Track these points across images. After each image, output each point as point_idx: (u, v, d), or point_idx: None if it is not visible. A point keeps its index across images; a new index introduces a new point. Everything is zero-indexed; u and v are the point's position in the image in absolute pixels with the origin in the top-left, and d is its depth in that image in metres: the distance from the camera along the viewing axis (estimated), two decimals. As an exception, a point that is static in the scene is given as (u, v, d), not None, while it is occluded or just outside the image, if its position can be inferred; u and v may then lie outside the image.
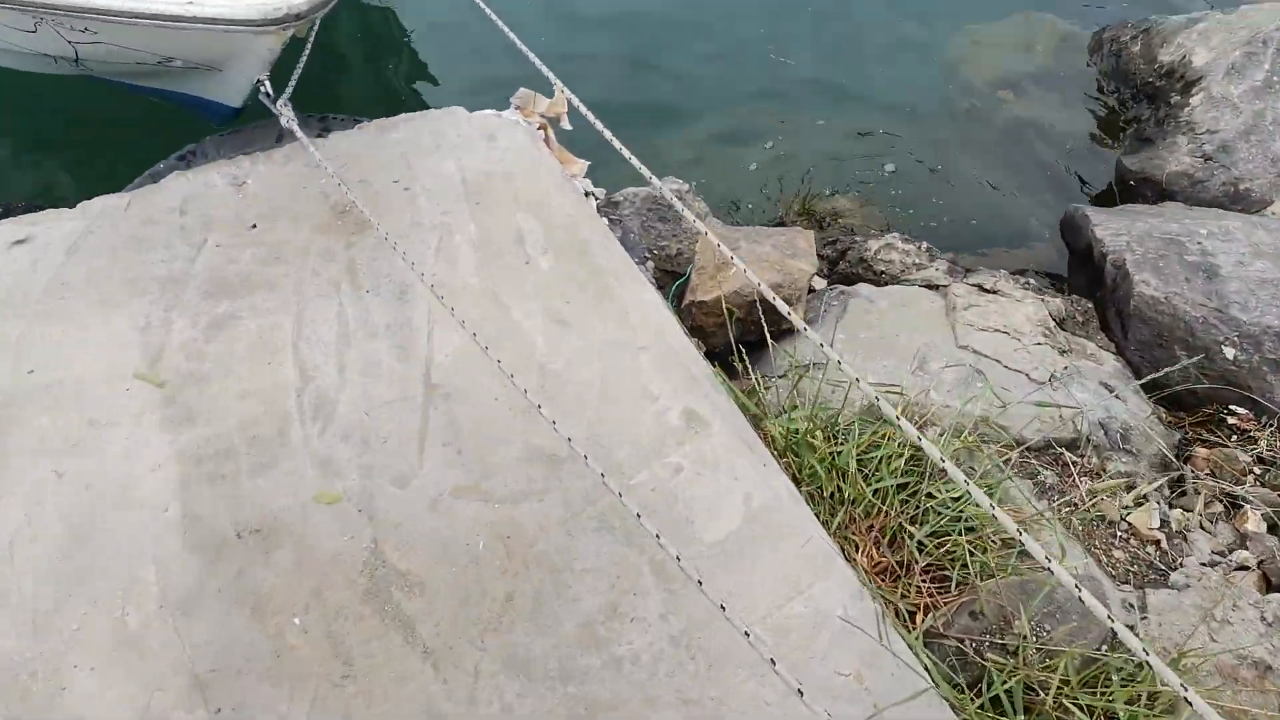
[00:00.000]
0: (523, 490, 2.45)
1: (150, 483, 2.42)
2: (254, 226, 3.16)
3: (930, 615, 2.38)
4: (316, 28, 3.70)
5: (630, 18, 5.55)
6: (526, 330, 2.86)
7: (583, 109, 3.18)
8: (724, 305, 3.34)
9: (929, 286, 3.57)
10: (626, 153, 2.86)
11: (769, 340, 3.16)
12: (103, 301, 2.87)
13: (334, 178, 3.14)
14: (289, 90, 3.48)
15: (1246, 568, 2.74)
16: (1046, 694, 2.19)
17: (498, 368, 2.62)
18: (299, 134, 3.32)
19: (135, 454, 2.48)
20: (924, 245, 3.89)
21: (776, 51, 5.42)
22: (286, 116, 3.41)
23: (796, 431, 2.65)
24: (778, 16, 5.65)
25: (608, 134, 3.04)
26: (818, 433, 2.62)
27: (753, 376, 2.95)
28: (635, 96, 4.96)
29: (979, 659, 2.33)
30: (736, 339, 3.19)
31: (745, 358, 3.02)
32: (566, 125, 3.83)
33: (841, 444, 2.65)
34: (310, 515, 2.39)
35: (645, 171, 2.72)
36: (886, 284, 3.61)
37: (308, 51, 3.65)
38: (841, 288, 3.53)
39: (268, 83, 3.50)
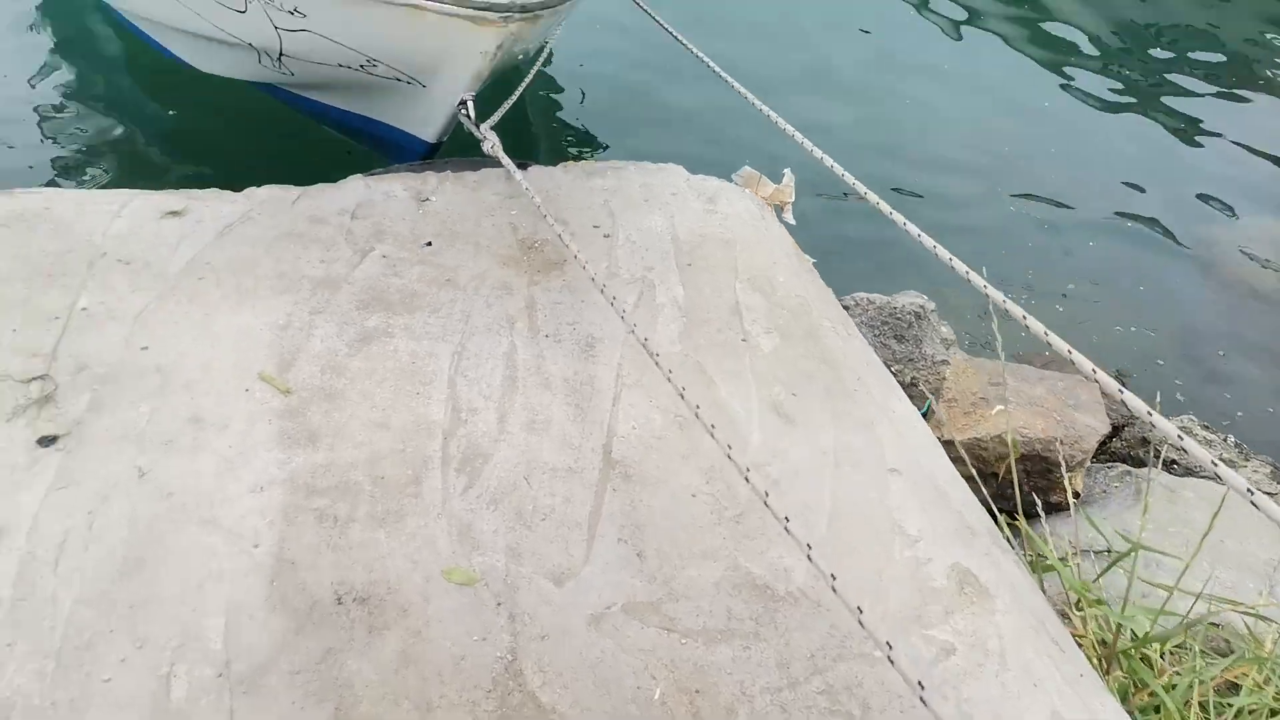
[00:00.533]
0: (722, 628, 1.77)
1: (245, 506, 1.85)
2: (428, 244, 2.69)
3: None
4: (537, 61, 3.33)
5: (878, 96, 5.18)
6: (738, 417, 2.24)
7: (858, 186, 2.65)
8: (980, 452, 2.64)
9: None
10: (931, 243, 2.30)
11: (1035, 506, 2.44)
12: (244, 290, 2.41)
13: (538, 209, 2.66)
14: (496, 118, 3.10)
15: None
16: None
17: (704, 451, 1.99)
18: (503, 158, 2.90)
19: (237, 467, 1.93)
20: (1230, 439, 3.13)
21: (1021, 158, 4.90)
22: (491, 141, 3.00)
23: (1132, 636, 1.89)
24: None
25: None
26: (1154, 644, 1.86)
27: (1043, 546, 2.21)
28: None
29: None
30: (993, 496, 2.47)
31: (1025, 518, 2.29)
32: (790, 219, 3.30)
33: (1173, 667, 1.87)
34: (434, 595, 1.76)
35: (977, 280, 2.05)
36: (1179, 476, 2.85)
37: (523, 86, 3.30)
38: (1125, 467, 2.79)
39: (470, 105, 3.13)
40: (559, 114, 4.83)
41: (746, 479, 1.67)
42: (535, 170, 3.07)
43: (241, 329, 2.29)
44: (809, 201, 3.33)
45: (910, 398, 2.68)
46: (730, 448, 1.74)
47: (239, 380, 2.14)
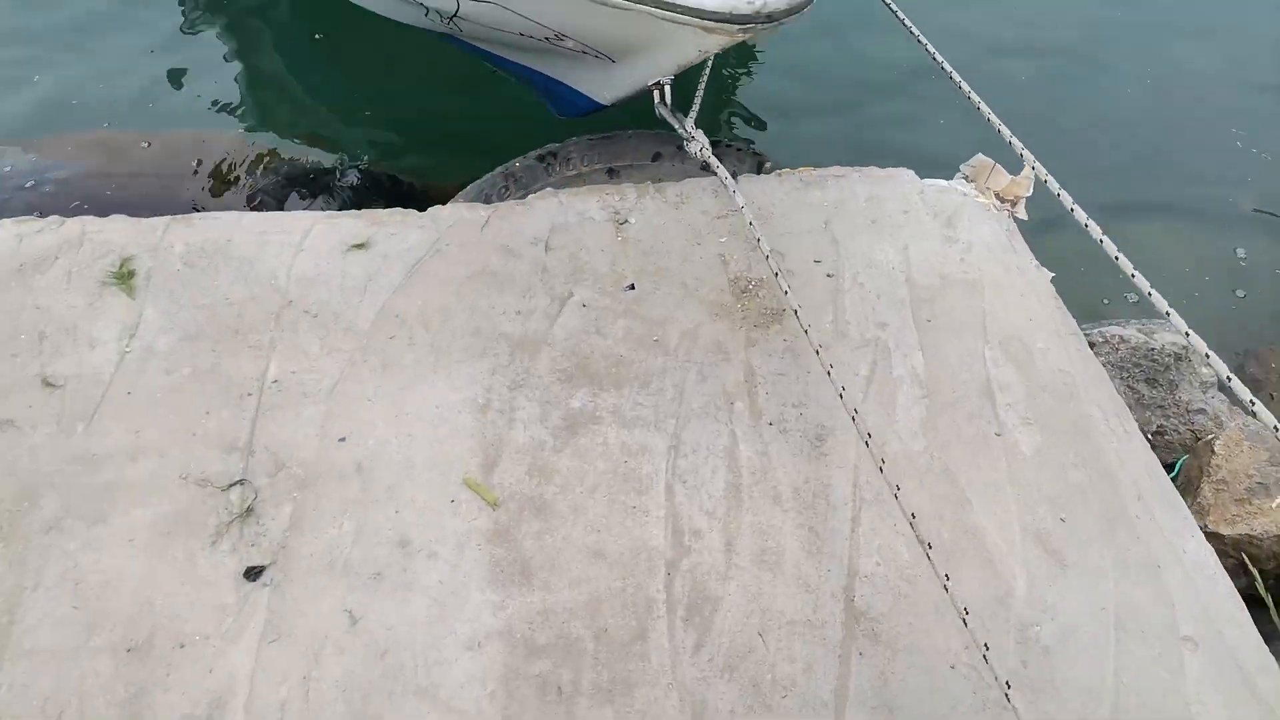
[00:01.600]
0: None
1: (463, 670, 1.71)
2: (631, 287, 2.40)
3: None
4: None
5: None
6: (996, 552, 1.93)
7: (1065, 198, 2.19)
8: (1254, 550, 2.25)
9: None
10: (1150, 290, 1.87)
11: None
12: (439, 351, 2.20)
13: (757, 243, 2.31)
14: (695, 110, 2.69)
15: None
16: None
17: (962, 595, 1.71)
18: (717, 167, 2.53)
19: (450, 613, 1.78)
20: None
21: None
22: (699, 143, 2.62)
23: None
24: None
25: (1115, 253, 2.06)
26: None
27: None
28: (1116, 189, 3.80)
29: None
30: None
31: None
32: (1022, 214, 2.82)
33: None
34: (668, 794, 1.59)
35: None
36: None
37: (709, 67, 2.85)
38: None
39: (668, 91, 2.73)
40: (737, 87, 4.26)
41: (997, 679, 1.39)
42: (747, 182, 2.68)
43: (440, 409, 2.09)
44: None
45: (1154, 447, 2.29)
46: (974, 619, 1.45)
47: (444, 486, 1.96)
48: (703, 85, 2.83)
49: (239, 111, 4.16)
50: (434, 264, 2.41)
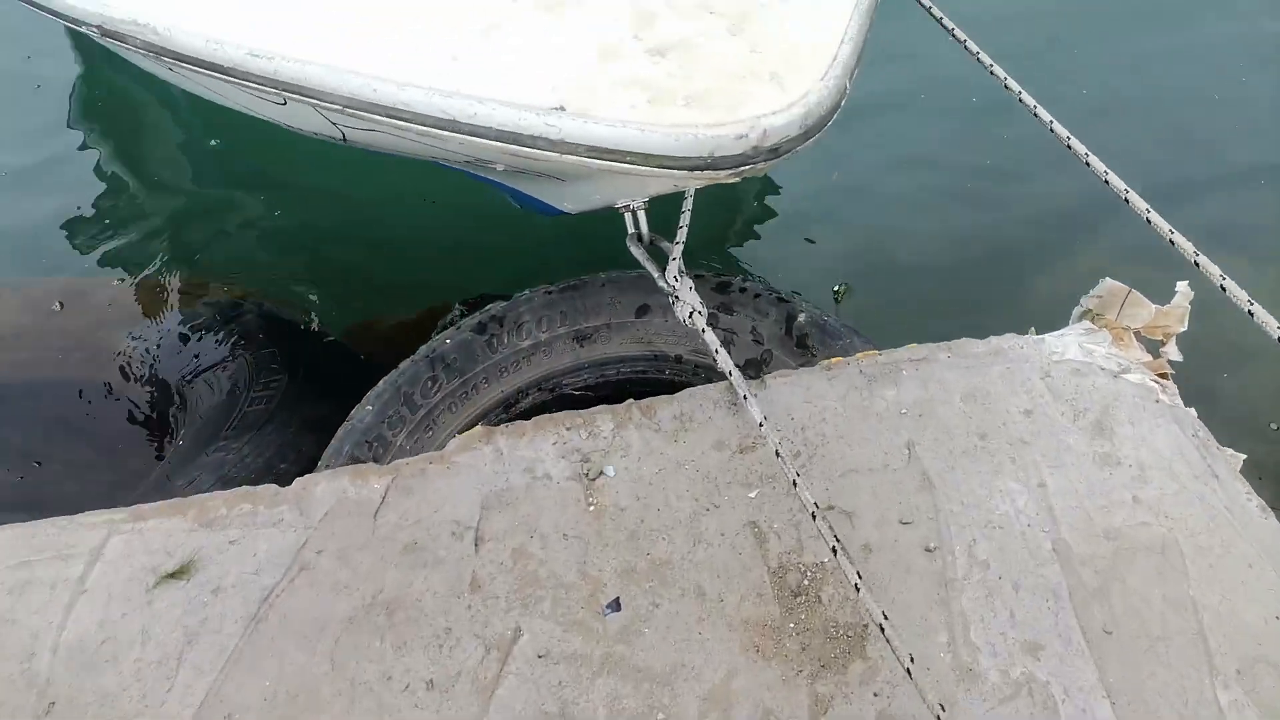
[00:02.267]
0: None
1: None
2: (615, 606, 1.48)
3: None
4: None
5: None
6: None
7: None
8: None
9: None
10: None
11: None
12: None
13: (808, 509, 1.39)
14: (678, 249, 1.80)
15: None
16: None
17: None
18: (723, 361, 1.62)
19: None
20: None
21: None
22: (688, 307, 1.72)
23: None
24: None
25: None
26: None
27: None
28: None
29: None
30: None
31: None
32: (1177, 355, 1.90)
33: None
34: None
35: None
36: None
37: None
38: None
39: (642, 216, 1.84)
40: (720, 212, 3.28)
41: None
42: (779, 381, 1.75)
43: None
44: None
45: None
46: None
47: None
48: (687, 214, 1.93)
49: (115, 246, 3.28)
50: (294, 599, 1.49)
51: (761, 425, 1.56)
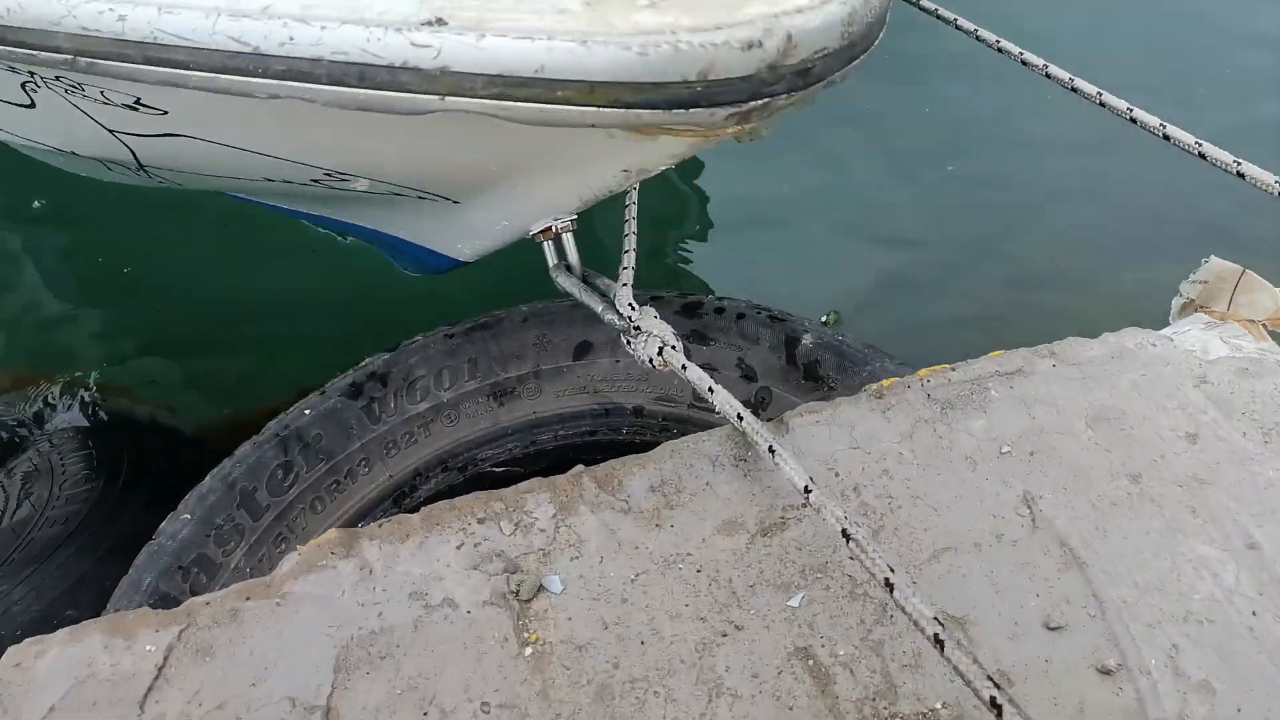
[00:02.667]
0: None
1: None
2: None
3: None
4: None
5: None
6: None
7: None
8: None
9: None
10: None
11: None
12: None
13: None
14: (630, 257, 1.32)
15: None
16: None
17: None
18: (747, 421, 1.01)
19: None
20: None
21: None
22: (658, 340, 1.14)
23: None
24: None
25: None
26: None
27: None
28: None
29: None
30: None
31: None
32: None
33: None
34: None
35: None
36: None
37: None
38: None
39: (569, 241, 1.28)
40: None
41: None
42: (807, 421, 1.13)
43: None
44: None
45: None
46: None
47: None
48: (633, 208, 1.46)
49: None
50: None
51: (809, 493, 0.93)
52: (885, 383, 1.15)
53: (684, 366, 1.14)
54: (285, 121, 1.10)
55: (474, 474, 1.61)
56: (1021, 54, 1.51)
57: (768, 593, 0.98)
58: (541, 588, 1.00)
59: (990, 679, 0.78)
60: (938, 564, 0.99)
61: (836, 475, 1.07)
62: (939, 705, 0.90)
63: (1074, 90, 1.42)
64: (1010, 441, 1.09)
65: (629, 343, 1.23)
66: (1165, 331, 1.23)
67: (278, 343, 2.52)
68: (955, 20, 1.64)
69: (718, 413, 1.10)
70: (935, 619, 0.82)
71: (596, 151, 1.13)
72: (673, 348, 1.18)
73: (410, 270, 1.91)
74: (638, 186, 1.51)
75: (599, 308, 1.27)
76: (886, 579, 0.86)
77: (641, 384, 1.61)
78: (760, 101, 0.88)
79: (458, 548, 1.03)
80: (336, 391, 1.58)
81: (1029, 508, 1.03)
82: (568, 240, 1.31)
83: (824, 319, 2.16)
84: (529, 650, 0.95)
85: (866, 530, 0.96)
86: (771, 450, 1.00)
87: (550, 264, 1.35)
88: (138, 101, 1.14)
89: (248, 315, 2.51)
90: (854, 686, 0.92)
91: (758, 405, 1.52)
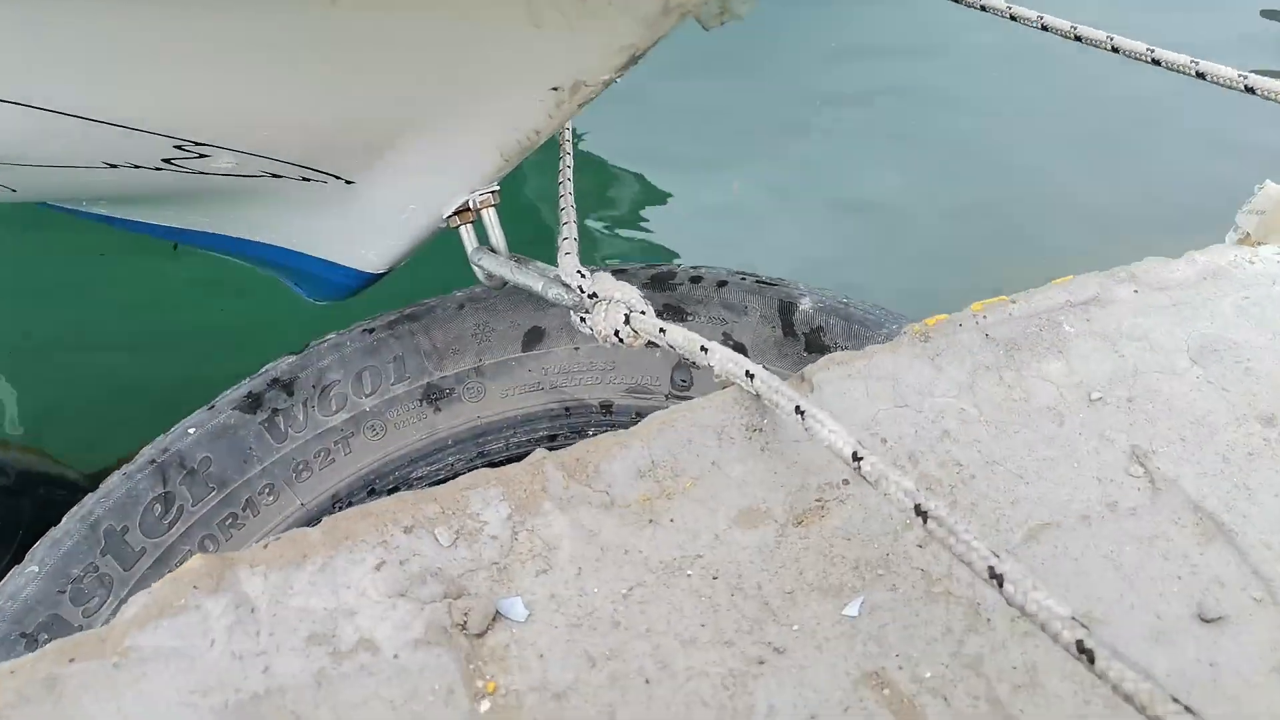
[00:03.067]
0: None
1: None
2: None
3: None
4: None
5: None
6: None
7: None
8: None
9: None
10: None
11: None
12: None
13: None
14: (569, 227, 1.08)
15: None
16: None
17: None
18: (760, 380, 0.75)
19: None
20: None
21: None
22: (622, 308, 0.92)
23: None
24: None
25: None
26: None
27: None
28: None
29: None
30: None
31: None
32: None
33: None
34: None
35: None
36: None
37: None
38: None
39: (491, 215, 1.02)
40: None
41: None
42: (836, 374, 0.86)
43: None
44: None
45: None
46: None
47: None
48: (568, 155, 1.27)
49: None
50: None
51: (859, 462, 0.67)
52: (929, 321, 0.90)
53: (661, 330, 0.91)
54: (123, 58, 0.81)
55: (408, 496, 1.31)
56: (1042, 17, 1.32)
57: (814, 600, 0.71)
58: (498, 615, 0.71)
59: (1175, 699, 0.52)
60: (1037, 545, 0.73)
61: (884, 442, 0.81)
62: (1074, 741, 0.63)
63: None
64: (1100, 386, 0.84)
65: (584, 319, 1.00)
66: (1258, 248, 1.01)
67: (183, 372, 2.19)
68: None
69: (719, 378, 0.84)
70: (1075, 620, 0.56)
71: (516, 57, 0.89)
72: (641, 313, 0.96)
73: (317, 296, 1.62)
74: (569, 138, 1.27)
75: (539, 284, 1.04)
76: (991, 568, 0.59)
77: (608, 373, 1.34)
78: None
79: (376, 568, 0.73)
80: (229, 405, 1.27)
81: (1142, 466, 0.78)
82: (489, 217, 1.10)
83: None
84: (485, 705, 0.66)
85: (944, 505, 0.69)
86: (800, 411, 0.73)
87: (469, 249, 1.13)
88: None
89: (151, 352, 2.19)
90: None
91: (751, 388, 1.26)
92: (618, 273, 1.39)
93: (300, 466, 1.28)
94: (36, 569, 1.12)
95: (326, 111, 1.00)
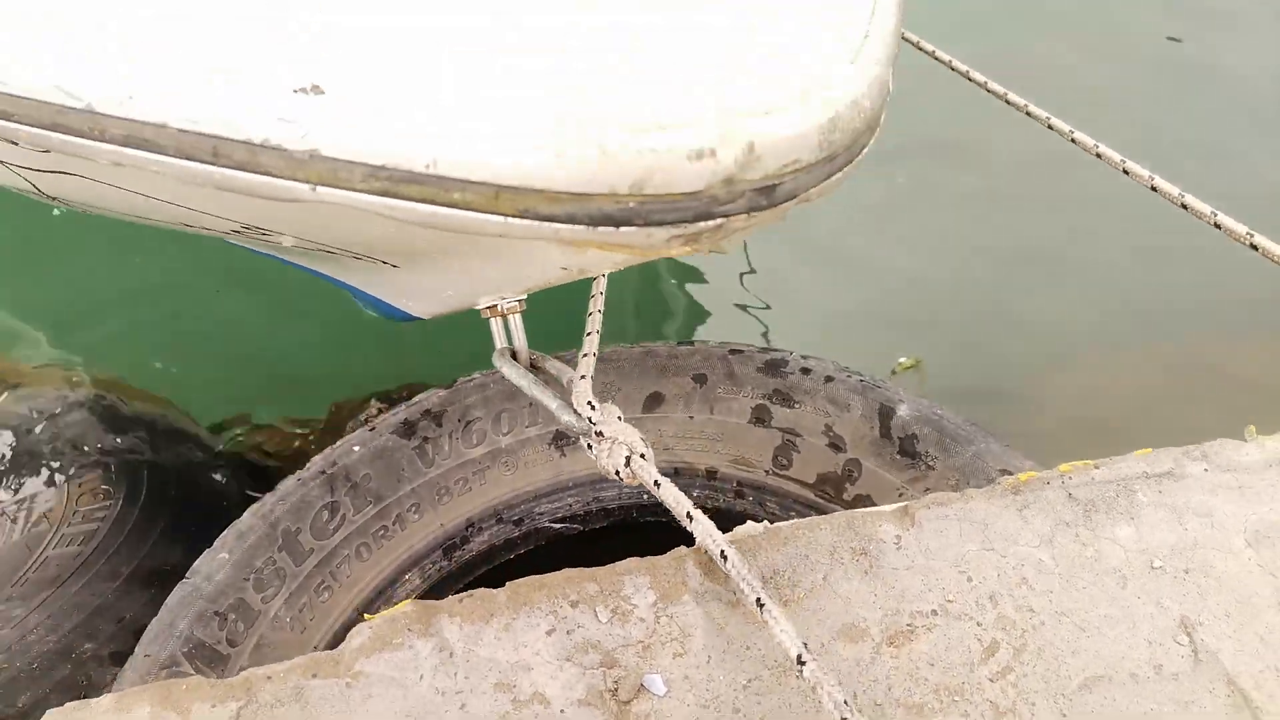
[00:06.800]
0: None
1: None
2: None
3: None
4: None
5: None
6: None
7: None
8: None
9: None
10: None
11: None
12: None
13: None
14: (589, 355, 1.11)
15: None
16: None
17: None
18: (743, 580, 0.94)
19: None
20: None
21: None
22: (624, 449, 0.99)
23: None
24: None
25: None
26: None
27: None
28: None
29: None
30: None
31: None
32: None
33: None
34: None
35: None
36: None
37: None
38: None
39: (515, 322, 1.13)
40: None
41: None
42: (937, 514, 1.01)
43: None
44: None
45: None
46: None
47: None
48: (600, 298, 1.24)
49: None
50: None
51: (801, 664, 0.79)
52: (1022, 477, 1.04)
53: (656, 484, 0.95)
54: (150, 181, 0.88)
55: (530, 529, 1.50)
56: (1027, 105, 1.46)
57: (899, 714, 0.87)
58: (642, 687, 0.89)
59: None
60: (1090, 695, 0.88)
61: (969, 580, 0.96)
62: None
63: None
64: (1162, 556, 0.99)
65: (590, 447, 1.02)
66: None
67: (308, 352, 2.41)
68: (968, 72, 1.56)
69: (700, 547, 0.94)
70: None
71: (527, 253, 0.92)
72: (641, 456, 0.97)
73: (370, 310, 1.76)
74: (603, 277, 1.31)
75: (553, 405, 1.05)
76: None
77: (716, 444, 1.51)
78: (712, 223, 0.71)
79: (548, 633, 0.91)
80: (388, 429, 1.48)
81: (1189, 636, 0.92)
82: (515, 323, 1.12)
83: (900, 362, 2.07)
84: (629, 762, 0.84)
85: (995, 641, 0.85)
86: (760, 604, 0.84)
87: (495, 347, 1.15)
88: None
89: (293, 327, 2.41)
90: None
91: (844, 478, 1.41)
92: (735, 351, 1.54)
93: (442, 490, 1.48)
94: (226, 556, 1.33)
95: (353, 242, 1.09)
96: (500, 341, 1.12)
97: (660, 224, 0.70)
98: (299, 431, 2.25)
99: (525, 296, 1.08)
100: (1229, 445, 1.09)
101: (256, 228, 1.00)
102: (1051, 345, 2.28)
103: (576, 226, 0.70)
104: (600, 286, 1.23)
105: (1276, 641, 0.92)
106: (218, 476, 1.95)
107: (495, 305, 1.07)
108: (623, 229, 0.70)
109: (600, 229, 0.70)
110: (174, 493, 1.87)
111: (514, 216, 0.70)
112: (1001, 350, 2.29)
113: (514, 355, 1.12)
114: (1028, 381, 2.25)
